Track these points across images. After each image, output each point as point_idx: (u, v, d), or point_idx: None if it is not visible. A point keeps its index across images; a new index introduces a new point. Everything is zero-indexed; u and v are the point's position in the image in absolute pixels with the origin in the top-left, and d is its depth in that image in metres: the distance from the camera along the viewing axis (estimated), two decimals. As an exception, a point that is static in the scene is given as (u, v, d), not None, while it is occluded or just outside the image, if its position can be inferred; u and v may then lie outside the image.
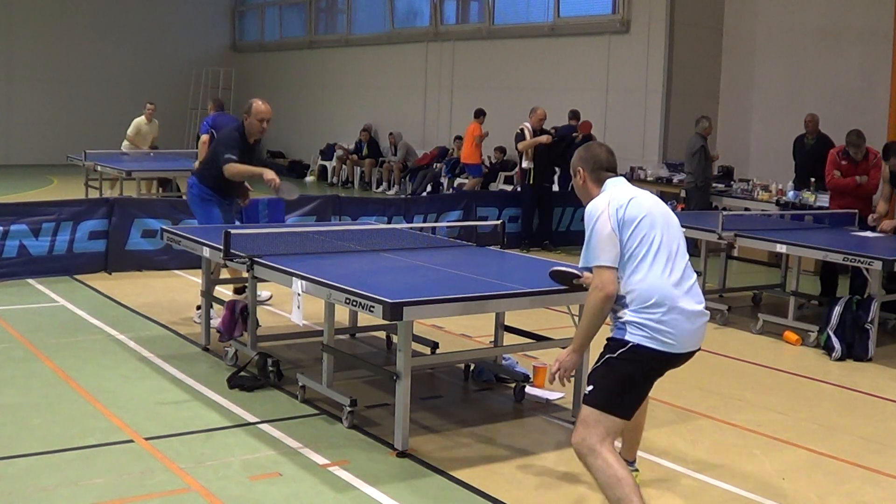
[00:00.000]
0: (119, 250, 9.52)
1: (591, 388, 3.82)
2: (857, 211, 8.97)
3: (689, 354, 3.91)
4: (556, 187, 13.25)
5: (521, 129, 12.45)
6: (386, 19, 20.91)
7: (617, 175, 4.06)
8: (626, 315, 3.79)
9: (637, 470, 4.47)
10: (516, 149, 12.58)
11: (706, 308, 3.94)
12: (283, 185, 7.13)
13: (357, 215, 10.68)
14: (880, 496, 4.61)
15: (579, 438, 3.76)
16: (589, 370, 3.98)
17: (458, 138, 18.67)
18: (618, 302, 3.83)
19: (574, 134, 13.15)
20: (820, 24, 13.88)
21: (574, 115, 14.20)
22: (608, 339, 3.86)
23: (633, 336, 3.76)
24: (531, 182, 12.29)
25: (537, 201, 12.31)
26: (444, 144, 19.04)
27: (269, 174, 7.04)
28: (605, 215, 3.81)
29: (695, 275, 3.95)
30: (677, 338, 3.77)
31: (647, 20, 15.21)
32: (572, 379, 5.57)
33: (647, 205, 3.90)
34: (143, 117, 14.81)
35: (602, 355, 3.84)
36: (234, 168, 7.09)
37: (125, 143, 14.74)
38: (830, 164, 9.22)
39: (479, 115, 15.85)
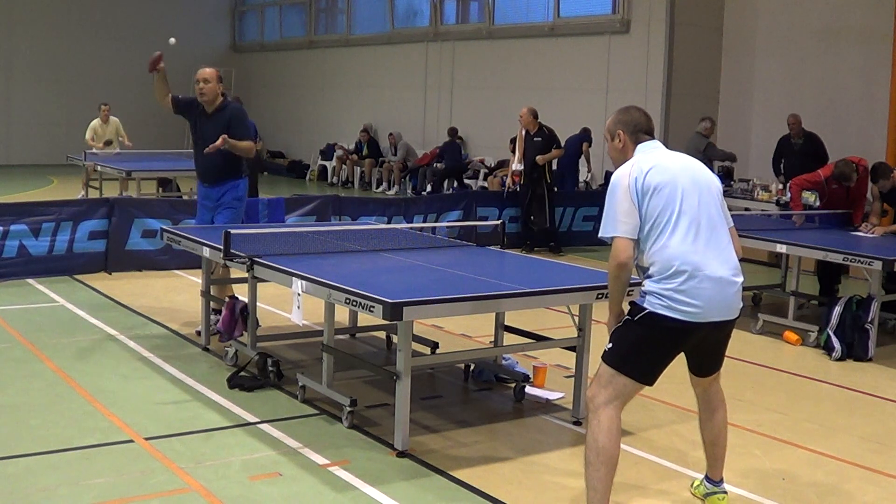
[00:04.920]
0: (119, 250, 9.52)
1: (609, 345, 3.89)
2: (851, 211, 9.00)
3: (723, 323, 3.86)
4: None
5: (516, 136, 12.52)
6: (386, 19, 20.92)
7: (652, 138, 4.03)
8: (647, 285, 3.81)
9: (725, 493, 4.29)
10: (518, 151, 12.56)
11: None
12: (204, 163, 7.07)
13: (357, 215, 10.67)
14: (880, 496, 4.61)
15: (591, 394, 3.87)
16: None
17: (459, 139, 18.69)
18: (643, 273, 3.86)
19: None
20: (820, 24, 13.89)
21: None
22: (630, 303, 3.89)
23: (650, 304, 3.77)
24: (522, 182, 12.27)
25: (528, 200, 12.25)
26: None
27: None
28: (624, 184, 3.80)
29: (727, 240, 3.90)
30: (700, 306, 3.73)
31: (647, 20, 15.22)
32: (570, 379, 5.60)
33: (673, 170, 3.85)
34: (97, 119, 15.17)
35: (626, 316, 3.89)
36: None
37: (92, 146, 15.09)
38: (809, 182, 9.08)
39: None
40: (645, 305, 3.80)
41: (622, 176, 3.84)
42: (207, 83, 6.97)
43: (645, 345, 3.83)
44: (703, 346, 3.99)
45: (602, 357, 3.91)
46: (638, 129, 4.01)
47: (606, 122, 4.15)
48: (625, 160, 3.98)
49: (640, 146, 3.98)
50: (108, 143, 15.16)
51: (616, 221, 3.79)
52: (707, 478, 4.32)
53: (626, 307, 3.98)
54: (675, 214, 3.77)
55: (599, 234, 3.87)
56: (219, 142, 6.84)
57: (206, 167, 7.13)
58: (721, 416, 4.21)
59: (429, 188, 18.18)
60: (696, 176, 3.91)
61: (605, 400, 3.81)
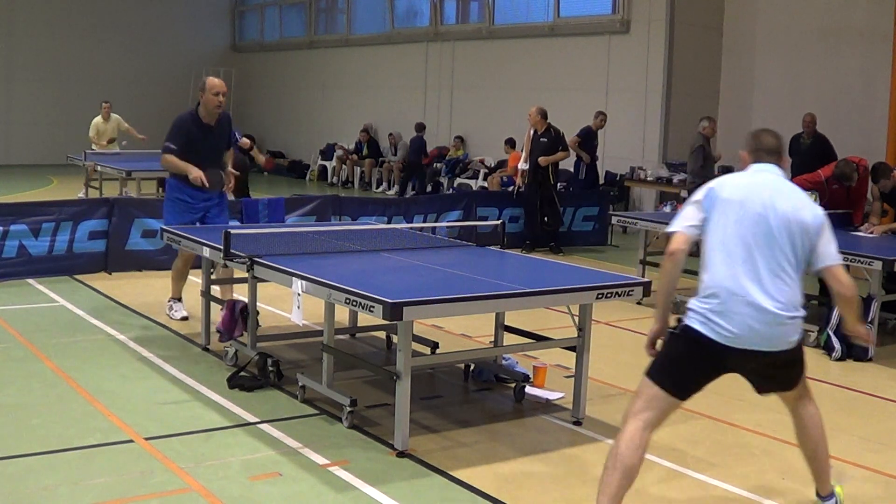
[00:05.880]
0: (119, 250, 9.52)
1: (652, 359, 3.97)
2: (851, 211, 9.00)
3: (763, 354, 3.76)
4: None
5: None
6: (386, 19, 20.92)
7: (772, 162, 4.00)
8: (691, 302, 3.87)
9: (840, 495, 4.23)
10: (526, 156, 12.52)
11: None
12: (209, 176, 6.99)
13: (357, 215, 10.67)
14: (880, 496, 4.61)
15: (629, 404, 3.93)
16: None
17: (458, 138, 18.72)
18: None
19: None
20: (820, 23, 13.89)
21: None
22: (677, 320, 3.96)
23: (689, 320, 3.84)
24: (528, 181, 12.26)
25: (539, 202, 12.24)
26: (444, 144, 19.06)
27: (193, 173, 6.90)
28: (702, 193, 3.94)
29: (789, 278, 3.76)
30: (735, 332, 3.71)
31: (647, 20, 15.22)
32: (570, 379, 5.59)
33: (751, 194, 3.83)
34: (99, 117, 15.43)
35: (670, 329, 3.97)
36: (165, 160, 7.11)
37: (93, 146, 15.30)
38: (809, 181, 9.06)
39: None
40: (684, 320, 3.86)
41: (707, 185, 3.97)
42: (225, 95, 7.10)
43: (680, 358, 3.87)
44: (751, 371, 3.95)
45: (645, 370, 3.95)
46: (757, 149, 4.05)
47: None
48: None
49: (751, 166, 4.03)
50: (111, 141, 15.35)
51: (680, 218, 3.95)
52: (817, 494, 4.26)
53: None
54: (728, 236, 3.78)
55: (667, 229, 4.03)
56: (234, 183, 7.37)
57: (220, 181, 7.18)
58: (813, 431, 4.15)
59: (428, 188, 18.21)
60: (779, 206, 3.79)
61: (636, 409, 3.84)
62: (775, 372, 3.96)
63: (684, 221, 3.91)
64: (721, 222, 3.81)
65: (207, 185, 6.97)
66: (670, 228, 3.96)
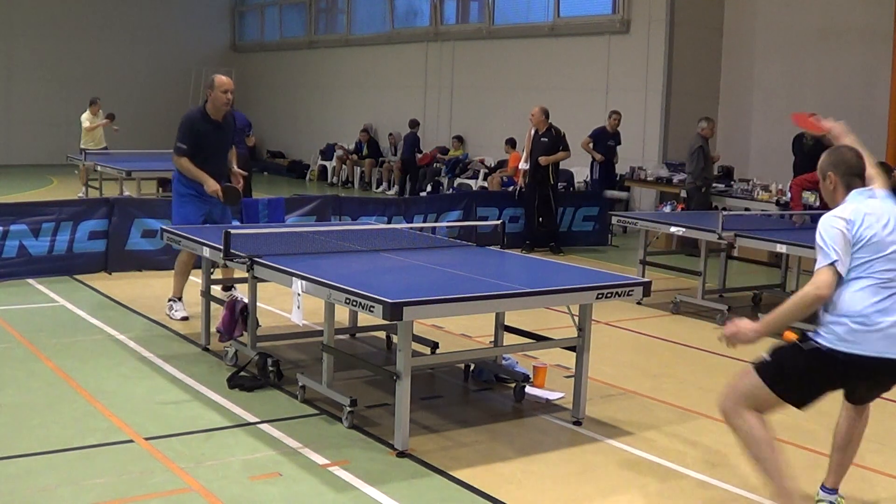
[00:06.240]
0: (119, 250, 9.52)
1: (767, 359, 3.92)
2: None
3: (890, 375, 3.90)
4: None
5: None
6: (386, 19, 20.93)
7: (864, 183, 4.00)
8: (826, 318, 3.84)
9: (842, 497, 4.32)
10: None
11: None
12: (226, 191, 7.21)
13: (357, 215, 10.68)
14: (880, 496, 4.61)
15: (723, 399, 3.98)
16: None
17: (457, 138, 18.73)
18: (824, 306, 3.88)
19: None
20: (820, 23, 13.90)
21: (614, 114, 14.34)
22: (803, 332, 3.93)
23: (823, 340, 3.82)
24: (528, 181, 12.25)
25: (536, 201, 12.23)
26: (444, 144, 19.06)
27: (211, 186, 7.13)
28: (842, 224, 3.80)
29: None
30: (868, 345, 3.77)
31: (647, 20, 15.23)
32: (570, 379, 5.59)
33: (883, 221, 3.86)
34: (88, 111, 15.83)
35: (795, 341, 3.92)
36: (179, 162, 7.23)
37: (83, 138, 15.71)
38: (809, 182, 9.03)
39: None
40: (819, 341, 3.84)
41: (841, 216, 3.84)
42: (233, 93, 7.30)
43: (804, 375, 3.90)
44: (865, 388, 4.08)
45: (754, 366, 3.93)
46: (848, 172, 3.99)
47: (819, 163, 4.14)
48: (834, 202, 3.99)
49: (853, 193, 3.95)
50: (111, 117, 15.71)
51: (833, 251, 3.77)
52: (823, 486, 4.30)
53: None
54: (872, 268, 3.81)
55: (816, 266, 3.82)
56: (242, 185, 7.57)
57: (237, 199, 7.46)
58: (859, 423, 4.24)
59: (428, 188, 18.21)
60: None
61: (746, 406, 3.90)
62: (884, 391, 4.11)
63: (841, 263, 3.78)
64: (863, 256, 3.81)
65: (223, 199, 7.22)
66: (827, 262, 3.77)
